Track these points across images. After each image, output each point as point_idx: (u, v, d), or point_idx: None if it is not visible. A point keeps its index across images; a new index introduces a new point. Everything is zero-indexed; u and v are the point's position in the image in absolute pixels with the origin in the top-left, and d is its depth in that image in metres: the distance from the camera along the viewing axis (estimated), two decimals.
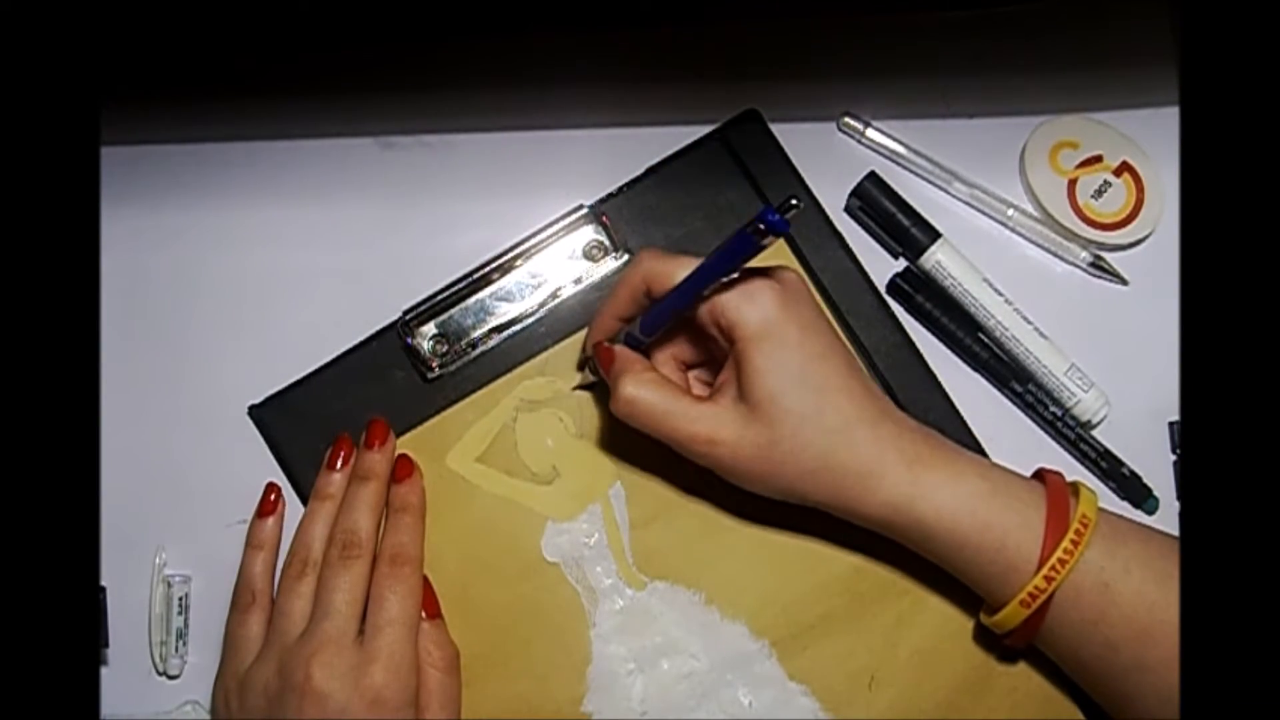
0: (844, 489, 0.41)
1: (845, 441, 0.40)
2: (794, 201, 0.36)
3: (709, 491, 0.47)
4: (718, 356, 0.43)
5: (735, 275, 0.40)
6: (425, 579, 0.46)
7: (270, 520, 0.48)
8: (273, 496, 0.48)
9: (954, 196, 0.51)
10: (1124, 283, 0.50)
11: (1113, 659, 0.40)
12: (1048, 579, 0.39)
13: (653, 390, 0.42)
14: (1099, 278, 0.50)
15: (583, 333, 0.48)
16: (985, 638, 0.45)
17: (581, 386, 0.49)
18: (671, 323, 0.43)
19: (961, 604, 0.46)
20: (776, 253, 0.49)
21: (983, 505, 0.40)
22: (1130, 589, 0.39)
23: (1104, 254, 0.50)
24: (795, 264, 0.49)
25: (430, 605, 0.45)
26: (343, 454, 0.47)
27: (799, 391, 0.40)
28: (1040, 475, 0.43)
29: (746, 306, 0.40)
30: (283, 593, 0.45)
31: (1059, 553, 0.39)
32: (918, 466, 0.41)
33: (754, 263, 0.41)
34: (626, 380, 0.42)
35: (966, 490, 0.40)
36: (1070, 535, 0.39)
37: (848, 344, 0.43)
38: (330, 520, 0.46)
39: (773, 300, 0.40)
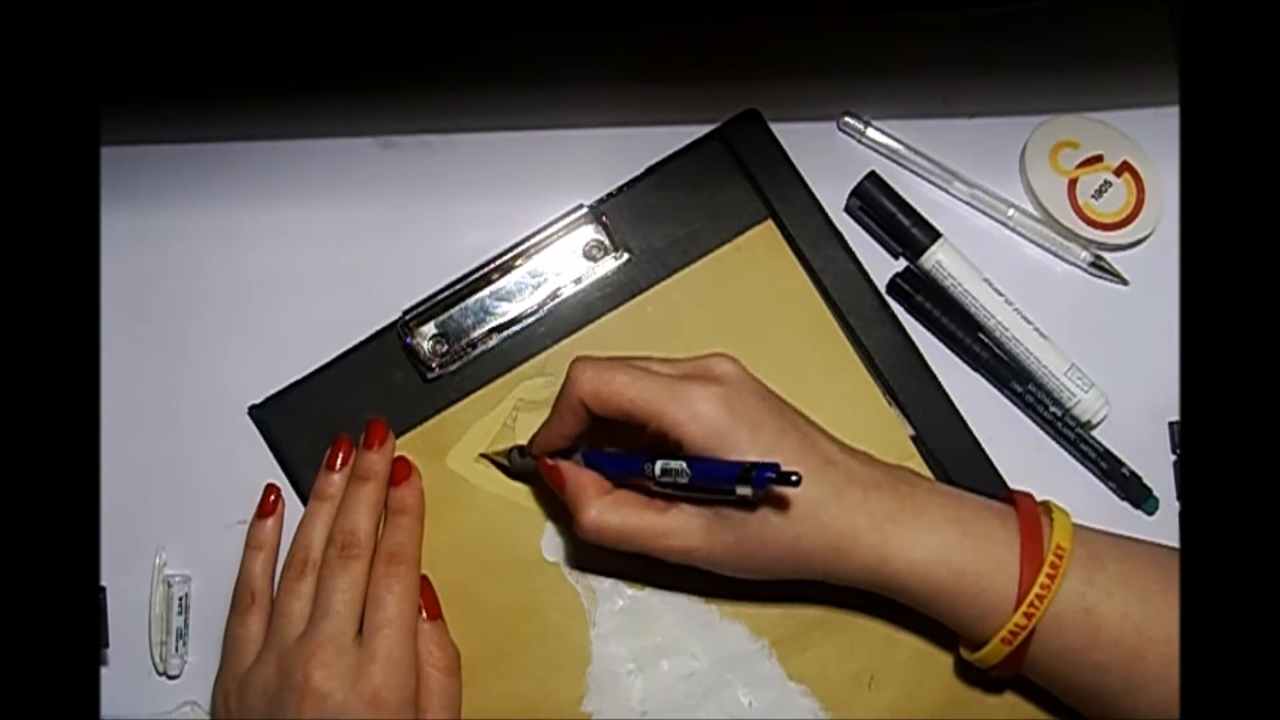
0: (817, 565, 0.41)
1: (812, 525, 0.40)
2: (794, 479, 0.37)
3: None
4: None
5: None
6: (427, 579, 0.46)
7: (270, 521, 0.48)
8: (272, 498, 0.48)
9: (954, 196, 0.51)
10: (1124, 283, 0.50)
11: (1103, 681, 0.40)
12: (1027, 615, 0.39)
13: (614, 513, 0.42)
14: (1099, 278, 0.50)
15: (582, 334, 0.48)
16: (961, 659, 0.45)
17: (491, 457, 0.48)
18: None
19: None
20: (778, 253, 0.49)
21: (954, 553, 0.40)
22: (1114, 611, 0.39)
23: (1104, 254, 0.50)
24: (795, 264, 0.49)
25: (431, 606, 0.45)
26: (342, 454, 0.47)
27: None
28: (1011, 497, 0.43)
29: (688, 421, 0.39)
30: (282, 593, 0.45)
31: (1036, 589, 0.39)
32: (888, 526, 0.40)
33: (691, 350, 0.43)
34: (588, 507, 0.42)
35: (937, 541, 0.40)
36: (1046, 570, 0.39)
37: (797, 411, 0.42)
38: (329, 521, 0.46)
39: (715, 407, 0.40)
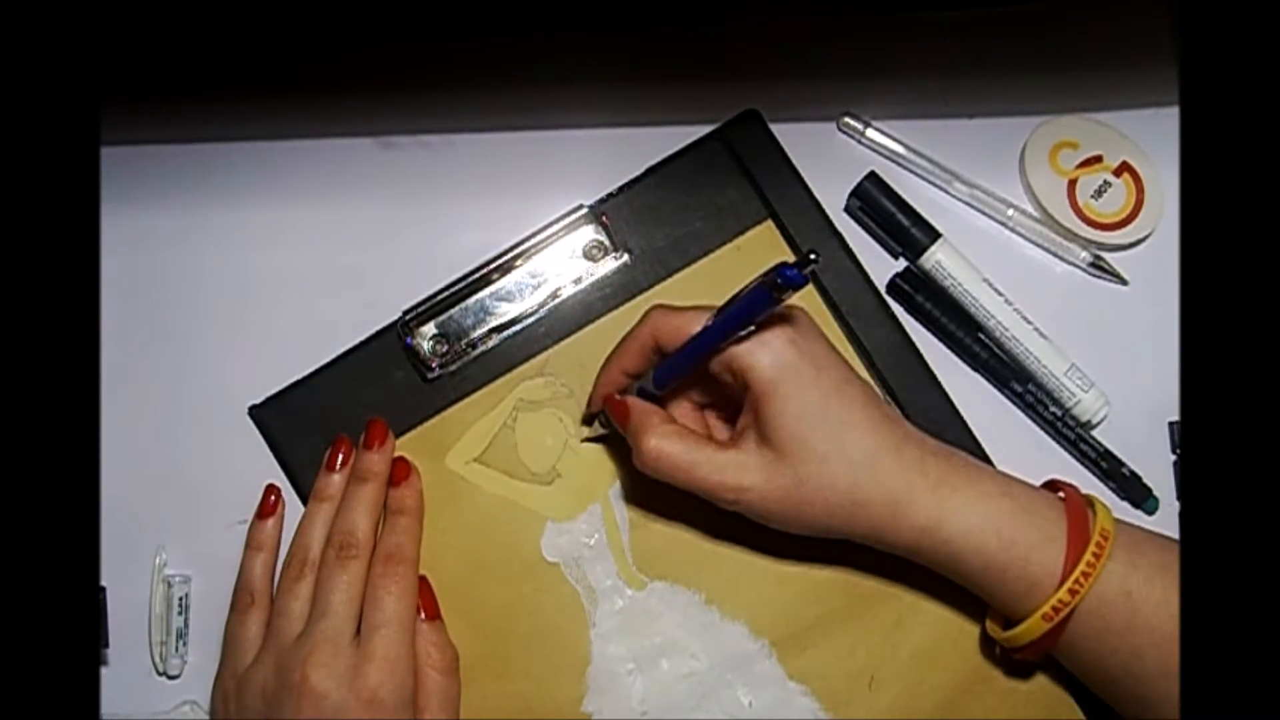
0: (874, 519, 0.41)
1: (871, 474, 0.40)
2: (812, 256, 0.36)
3: None
4: (732, 396, 0.43)
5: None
6: (425, 580, 0.46)
7: (270, 521, 0.48)
8: (273, 498, 0.48)
9: (954, 196, 0.51)
10: (1124, 283, 0.50)
11: (1138, 666, 0.40)
12: (1072, 592, 0.39)
13: (676, 442, 0.42)
14: (1099, 278, 0.50)
15: (582, 334, 0.49)
16: (986, 638, 0.45)
17: (591, 439, 0.48)
18: (685, 377, 0.43)
19: (960, 604, 0.46)
20: (778, 253, 0.49)
21: (1006, 524, 0.40)
22: (1154, 597, 0.39)
23: (1104, 254, 0.50)
24: None
25: (430, 606, 0.45)
26: (342, 455, 0.47)
27: (821, 429, 0.40)
28: (1053, 486, 0.43)
29: (759, 351, 0.40)
30: (281, 593, 0.45)
31: (1082, 566, 0.39)
32: (943, 489, 0.41)
33: None
34: (650, 434, 0.42)
35: (991, 510, 0.40)
36: (1092, 548, 0.39)
37: (861, 374, 0.42)
38: (329, 521, 0.46)
39: (785, 342, 0.40)
